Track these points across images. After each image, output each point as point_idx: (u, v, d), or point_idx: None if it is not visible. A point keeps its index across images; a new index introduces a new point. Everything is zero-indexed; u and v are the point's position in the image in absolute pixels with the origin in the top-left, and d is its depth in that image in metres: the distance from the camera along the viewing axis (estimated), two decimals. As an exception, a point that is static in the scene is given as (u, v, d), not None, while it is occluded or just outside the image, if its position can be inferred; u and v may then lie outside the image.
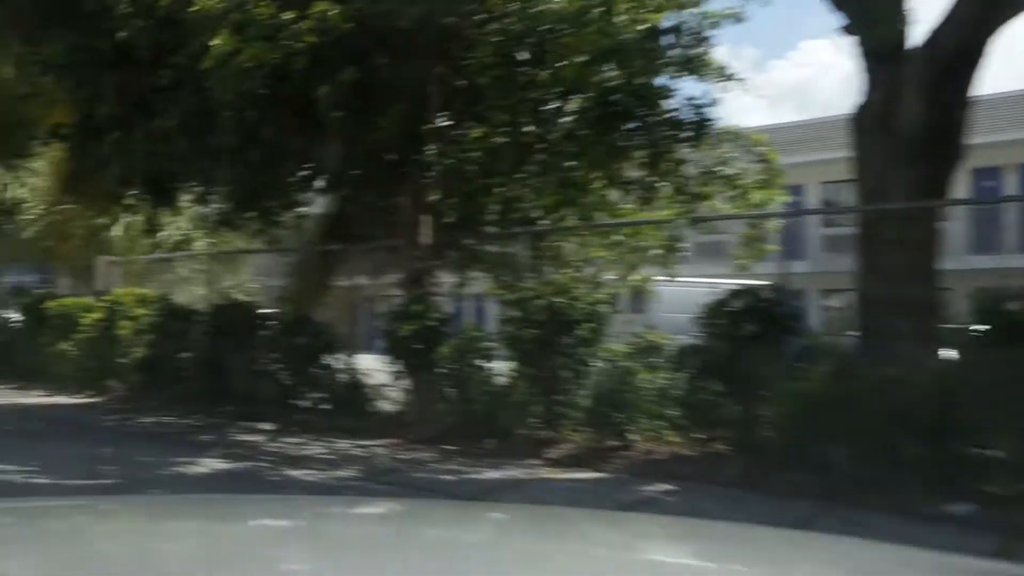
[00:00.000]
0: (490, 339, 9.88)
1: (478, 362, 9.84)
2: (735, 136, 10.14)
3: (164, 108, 9.63)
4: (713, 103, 9.69)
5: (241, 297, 13.99)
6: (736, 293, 8.51)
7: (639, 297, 12.78)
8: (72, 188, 12.90)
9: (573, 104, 9.56)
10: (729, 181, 9.64)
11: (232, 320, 12.49)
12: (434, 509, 3.01)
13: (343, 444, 9.70)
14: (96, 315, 14.15)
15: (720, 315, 8.46)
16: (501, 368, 9.81)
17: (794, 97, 73.41)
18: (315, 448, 9.56)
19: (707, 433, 8.57)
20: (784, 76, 74.55)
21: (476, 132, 9.98)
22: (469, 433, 9.57)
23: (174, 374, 13.05)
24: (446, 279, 11.88)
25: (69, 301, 14.86)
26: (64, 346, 14.44)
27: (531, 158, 9.76)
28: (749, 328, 8.22)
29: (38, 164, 15.52)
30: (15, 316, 15.93)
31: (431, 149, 10.53)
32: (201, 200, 12.19)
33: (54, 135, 11.93)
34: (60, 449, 9.15)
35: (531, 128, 9.77)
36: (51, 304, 15.00)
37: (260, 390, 11.82)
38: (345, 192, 11.83)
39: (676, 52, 9.26)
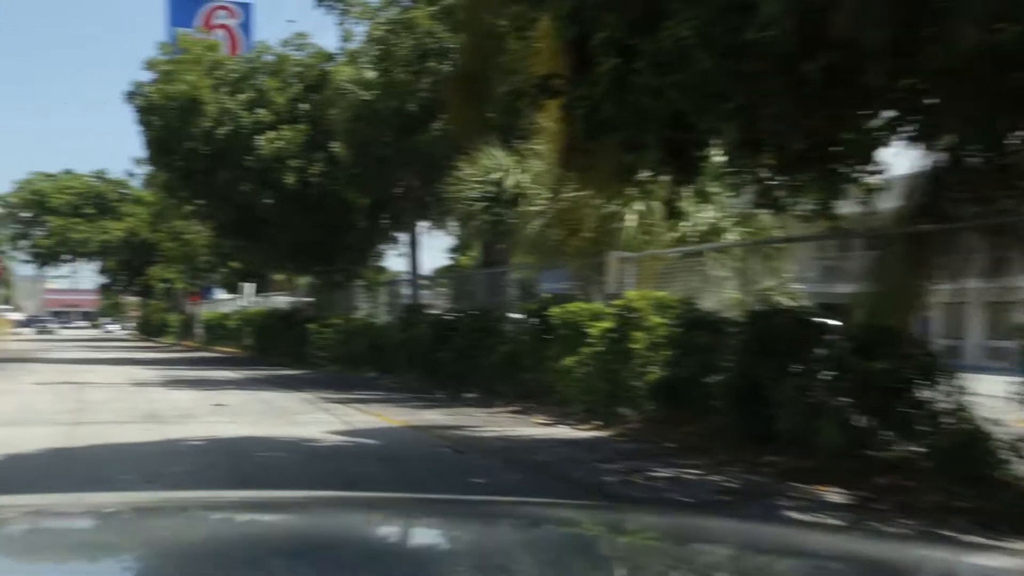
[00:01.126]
0: None
1: None
2: None
3: (676, 11, 6.30)
4: None
5: (788, 302, 10.39)
6: None
7: None
8: (572, 163, 10.14)
9: None
10: None
11: (777, 333, 9.03)
12: None
13: (975, 545, 5.75)
14: (605, 324, 11.33)
15: None
16: None
17: None
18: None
19: None
20: None
21: None
22: None
23: (700, 403, 9.84)
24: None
25: (575, 307, 12.20)
26: (569, 361, 11.80)
27: None
28: None
29: (540, 144, 13.02)
30: (531, 320, 13.55)
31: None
32: (735, 165, 8.73)
33: (544, 90, 9.07)
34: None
35: None
36: (556, 310, 12.47)
37: (818, 432, 8.20)
38: (946, 140, 7.78)
39: None
